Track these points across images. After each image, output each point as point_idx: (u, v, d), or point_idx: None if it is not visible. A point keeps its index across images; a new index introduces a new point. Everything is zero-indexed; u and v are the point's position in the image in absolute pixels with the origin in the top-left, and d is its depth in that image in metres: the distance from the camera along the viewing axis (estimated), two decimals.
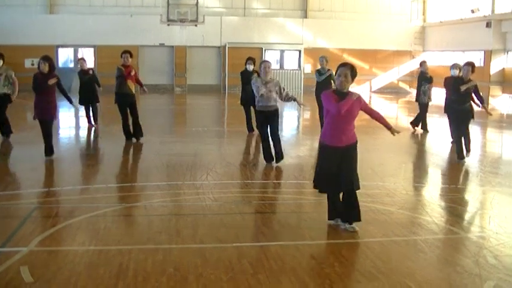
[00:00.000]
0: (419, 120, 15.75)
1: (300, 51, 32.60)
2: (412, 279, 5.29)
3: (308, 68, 32.02)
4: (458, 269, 5.59)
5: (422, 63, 15.90)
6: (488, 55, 27.40)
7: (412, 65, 33.49)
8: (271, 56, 32.66)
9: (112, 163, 11.33)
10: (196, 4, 29.74)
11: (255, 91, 10.47)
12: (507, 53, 27.23)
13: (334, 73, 6.94)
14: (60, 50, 31.14)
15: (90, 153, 12.91)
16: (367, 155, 11.77)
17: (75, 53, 31.08)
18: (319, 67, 15.11)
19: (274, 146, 10.64)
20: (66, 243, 6.33)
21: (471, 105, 11.34)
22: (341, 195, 6.78)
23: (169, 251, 5.95)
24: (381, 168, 10.71)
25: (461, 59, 28.48)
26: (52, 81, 10.66)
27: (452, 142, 13.38)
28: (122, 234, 6.67)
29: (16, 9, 30.09)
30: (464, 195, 9.12)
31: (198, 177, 9.69)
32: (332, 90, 6.69)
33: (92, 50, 31.20)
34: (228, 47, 31.52)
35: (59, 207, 7.87)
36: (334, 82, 7.63)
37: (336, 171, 6.56)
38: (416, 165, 11.88)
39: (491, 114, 12.11)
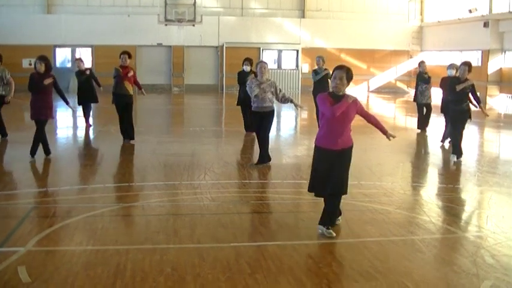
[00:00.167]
0: (426, 121, 15.69)
1: (297, 51, 32.60)
2: (409, 279, 5.30)
3: (306, 67, 32.01)
4: (456, 269, 5.59)
5: (421, 63, 15.90)
6: (485, 55, 27.42)
7: (409, 65, 33.52)
8: (269, 56, 32.67)
9: (109, 163, 11.31)
10: (194, 4, 29.72)
11: (248, 92, 10.48)
12: (504, 52, 27.25)
13: (330, 73, 6.91)
14: (58, 50, 31.12)
15: (88, 153, 12.89)
16: (364, 154, 11.79)
17: (73, 53, 31.04)
18: (316, 67, 15.13)
19: (259, 147, 10.65)
20: (63, 243, 6.32)
21: (468, 106, 11.33)
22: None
23: (167, 251, 5.94)
24: (378, 168, 10.72)
25: (459, 58, 28.55)
26: (48, 81, 10.62)
27: (442, 141, 13.45)
28: (120, 234, 6.66)
29: (14, 9, 30.05)
30: (461, 194, 9.13)
31: (195, 177, 9.69)
32: (328, 93, 6.60)
33: (89, 50, 31.18)
34: (226, 47, 31.52)
35: (57, 207, 7.86)
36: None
37: (332, 173, 6.46)
38: (414, 164, 11.89)
39: (487, 115, 12.09)
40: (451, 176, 10.46)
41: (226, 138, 14.97)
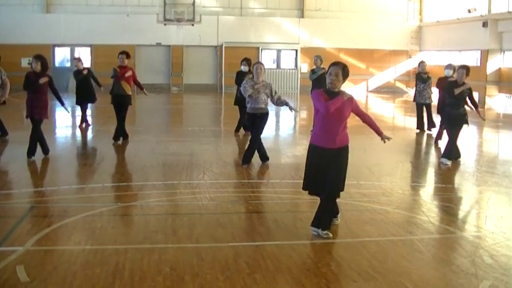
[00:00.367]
0: (429, 121, 15.68)
1: (296, 51, 32.63)
2: (408, 279, 5.29)
3: (305, 67, 32.02)
4: (455, 269, 5.59)
5: (421, 63, 15.91)
6: (484, 55, 27.43)
7: (408, 65, 33.55)
8: (267, 56, 32.69)
9: (108, 162, 11.31)
10: (193, 4, 29.72)
11: (242, 92, 10.48)
12: (503, 52, 27.27)
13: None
14: (57, 49, 31.14)
15: (86, 152, 12.90)
16: (363, 154, 11.79)
17: (72, 52, 31.04)
18: (314, 67, 15.13)
19: (248, 146, 10.65)
20: (62, 242, 6.31)
21: (465, 110, 11.16)
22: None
23: (166, 251, 5.94)
24: (377, 168, 10.72)
25: (458, 58, 28.60)
26: (43, 80, 10.55)
27: (435, 142, 13.47)
28: (118, 233, 6.66)
29: (13, 8, 30.05)
30: (460, 194, 9.14)
31: (194, 176, 9.68)
32: (323, 89, 6.51)
33: (88, 49, 31.19)
34: (225, 47, 31.53)
35: (55, 206, 7.85)
36: None
37: (326, 172, 6.35)
38: (412, 164, 11.89)
39: (484, 119, 11.98)
40: (449, 176, 10.45)
41: (225, 138, 14.96)
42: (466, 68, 11.02)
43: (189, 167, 10.42)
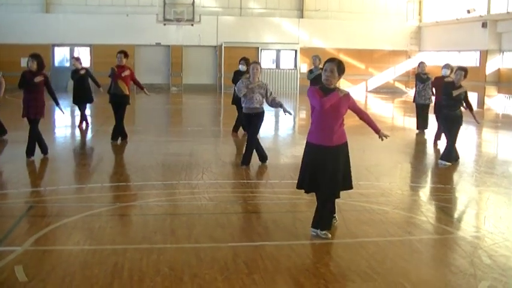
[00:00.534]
0: (424, 122, 15.67)
1: (296, 51, 32.64)
2: (407, 279, 5.29)
3: (304, 67, 31.99)
4: (453, 269, 5.59)
5: (420, 64, 15.90)
6: (483, 55, 27.46)
7: (408, 65, 33.56)
8: (267, 56, 32.71)
9: (107, 162, 11.30)
10: (193, 4, 29.73)
11: (237, 91, 10.49)
12: (503, 53, 27.29)
13: None
14: (56, 49, 31.14)
15: (85, 152, 12.89)
16: (362, 155, 11.79)
17: (72, 52, 31.03)
18: (313, 67, 15.14)
19: (245, 147, 10.66)
20: (61, 242, 6.31)
21: (461, 112, 11.15)
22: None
23: (164, 251, 5.93)
24: (376, 168, 10.72)
25: (457, 59, 28.61)
26: (38, 79, 10.49)
27: (434, 142, 13.49)
28: (117, 233, 6.66)
29: (12, 8, 30.06)
30: (459, 195, 9.14)
31: (193, 176, 9.68)
32: (319, 86, 6.42)
33: (88, 49, 31.20)
34: (224, 47, 31.54)
35: (54, 206, 7.85)
36: None
37: (324, 171, 6.30)
38: (411, 165, 11.89)
39: (479, 123, 11.93)
40: (448, 176, 10.45)
41: (225, 138, 14.96)
42: (464, 70, 10.99)
43: (188, 167, 10.42)
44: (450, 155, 11.00)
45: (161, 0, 29.61)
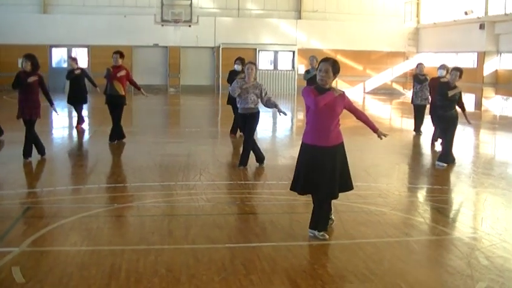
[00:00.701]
0: (420, 123, 15.68)
1: (293, 52, 32.63)
2: (404, 280, 5.30)
3: (302, 69, 31.92)
4: (450, 270, 5.60)
5: (418, 65, 15.92)
6: (481, 57, 27.48)
7: (405, 66, 33.59)
8: (265, 57, 32.71)
9: (104, 163, 11.29)
10: (190, 5, 29.73)
11: (231, 92, 10.48)
12: (500, 54, 27.32)
13: None
14: (54, 49, 31.11)
15: (83, 153, 12.88)
16: (360, 156, 11.79)
17: (69, 52, 30.96)
18: (310, 67, 15.15)
19: (242, 148, 10.66)
20: (58, 243, 6.31)
21: (456, 112, 11.14)
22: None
23: (162, 252, 5.93)
24: (374, 169, 10.72)
25: (455, 60, 28.64)
26: (31, 79, 10.42)
27: (432, 143, 13.50)
28: (114, 234, 6.65)
29: (10, 8, 30.01)
30: (456, 196, 9.15)
31: (190, 177, 9.68)
32: (314, 86, 6.38)
33: (85, 50, 31.16)
34: (222, 48, 31.52)
35: (51, 207, 7.84)
36: None
37: (322, 172, 6.27)
38: (409, 166, 11.90)
39: (470, 123, 11.91)
40: (446, 177, 10.46)
41: (222, 139, 14.95)
42: (459, 71, 11.00)
43: (185, 168, 10.42)
44: (447, 157, 11.00)
45: (159, 1, 29.60)
